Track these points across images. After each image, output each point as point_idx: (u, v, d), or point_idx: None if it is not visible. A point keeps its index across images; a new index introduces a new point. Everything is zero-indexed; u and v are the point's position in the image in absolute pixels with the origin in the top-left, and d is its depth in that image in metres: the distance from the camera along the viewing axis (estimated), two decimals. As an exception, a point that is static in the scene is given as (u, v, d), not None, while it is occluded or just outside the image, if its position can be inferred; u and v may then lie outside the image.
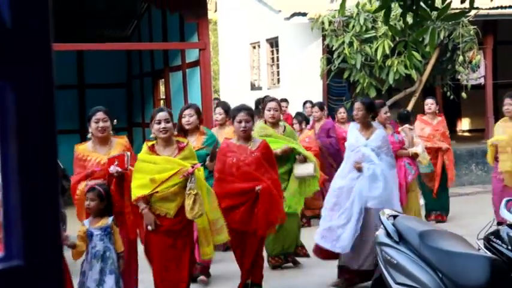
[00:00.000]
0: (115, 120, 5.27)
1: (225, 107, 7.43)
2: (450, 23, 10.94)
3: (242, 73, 15.84)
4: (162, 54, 12.50)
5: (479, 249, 4.39)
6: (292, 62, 13.55)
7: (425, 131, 8.65)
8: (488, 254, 4.20)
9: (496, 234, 4.40)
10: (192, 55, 10.84)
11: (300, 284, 6.10)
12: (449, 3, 4.51)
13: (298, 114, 8.94)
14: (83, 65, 14.11)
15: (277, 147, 6.15)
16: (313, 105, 9.63)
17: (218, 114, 7.21)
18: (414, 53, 8.27)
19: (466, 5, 4.69)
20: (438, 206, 8.77)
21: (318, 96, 12.06)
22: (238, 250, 5.53)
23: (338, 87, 12.78)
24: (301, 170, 6.22)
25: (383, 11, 4.79)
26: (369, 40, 11.49)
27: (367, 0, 11.69)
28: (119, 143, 5.19)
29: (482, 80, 12.77)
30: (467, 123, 16.79)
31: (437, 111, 8.88)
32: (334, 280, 5.85)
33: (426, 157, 7.58)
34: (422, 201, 7.46)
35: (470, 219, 8.24)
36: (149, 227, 4.79)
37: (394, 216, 4.57)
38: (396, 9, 8.80)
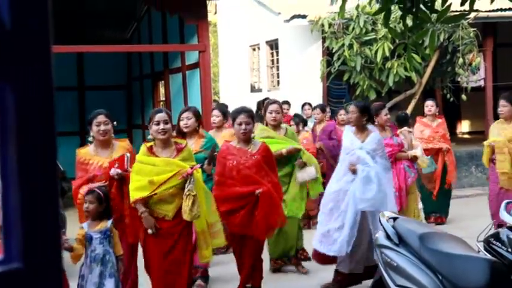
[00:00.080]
0: (115, 122, 5.26)
1: (222, 109, 7.40)
2: (450, 25, 10.94)
3: (242, 75, 15.84)
4: (162, 56, 12.51)
5: (479, 252, 4.39)
6: (292, 64, 13.55)
7: (425, 133, 8.66)
8: (488, 256, 4.20)
9: (496, 236, 4.40)
10: (192, 57, 10.84)
11: (299, 287, 6.10)
12: (449, 6, 4.51)
13: (295, 115, 8.95)
14: (83, 67, 14.13)
15: (281, 147, 6.14)
16: (315, 107, 9.64)
17: (215, 116, 7.15)
18: (414, 55, 8.25)
19: (466, 7, 4.69)
20: (438, 208, 8.77)
21: (317, 99, 12.07)
22: (238, 254, 5.49)
23: (338, 90, 12.78)
24: (304, 174, 6.19)
25: (383, 14, 4.80)
26: (368, 42, 11.49)
27: (367, 2, 11.69)
28: (121, 146, 5.18)
29: (482, 82, 12.77)
30: (467, 126, 16.79)
31: (437, 113, 8.89)
32: (327, 282, 5.85)
33: (425, 160, 7.58)
34: (420, 205, 7.44)
35: (470, 221, 8.24)
36: (149, 231, 4.73)
37: (394, 219, 4.57)
38: (396, 12, 8.80)
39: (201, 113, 6.53)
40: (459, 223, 8.58)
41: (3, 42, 0.75)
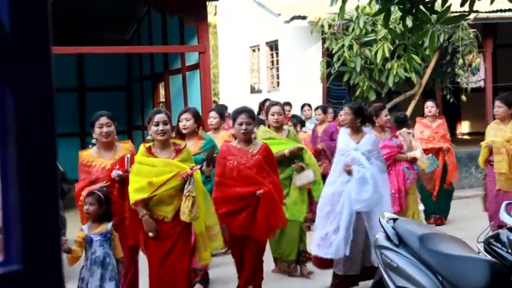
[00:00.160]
0: (115, 123, 5.24)
1: (220, 111, 7.38)
2: (450, 26, 10.94)
3: (242, 76, 15.84)
4: (162, 58, 12.51)
5: (479, 253, 4.38)
6: (292, 65, 13.55)
7: (425, 133, 8.66)
8: (488, 257, 4.19)
9: (496, 237, 4.39)
10: (192, 58, 10.85)
11: None
12: (449, 7, 4.51)
13: (293, 116, 8.95)
14: (83, 68, 14.13)
15: (283, 148, 6.12)
16: (316, 107, 9.65)
17: (212, 118, 7.11)
18: (414, 56, 8.25)
19: (466, 8, 4.70)
20: (438, 209, 8.76)
21: (317, 100, 12.07)
22: (238, 256, 5.42)
23: (338, 91, 12.78)
24: (302, 178, 6.16)
25: (383, 14, 4.80)
26: (368, 43, 11.49)
27: (366, 3, 11.69)
28: (124, 148, 5.15)
29: (482, 83, 12.77)
30: (467, 126, 16.79)
31: (437, 114, 8.88)
32: (327, 287, 5.83)
33: (425, 161, 7.58)
34: (422, 207, 7.43)
35: (470, 222, 8.24)
36: (150, 234, 4.67)
37: (394, 220, 4.57)
38: (396, 13, 8.80)
39: (201, 114, 6.51)
40: (459, 224, 8.57)
41: (3, 44, 0.75)
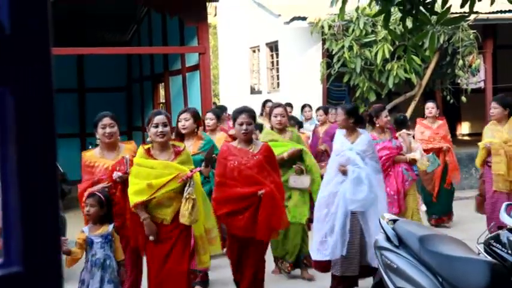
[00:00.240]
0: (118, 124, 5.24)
1: (216, 112, 7.37)
2: (450, 27, 10.95)
3: (242, 77, 15.85)
4: (162, 58, 12.52)
5: (479, 254, 4.38)
6: (292, 66, 13.56)
7: (426, 134, 8.66)
8: (489, 258, 4.19)
9: (496, 238, 4.39)
10: (192, 59, 10.85)
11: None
12: (449, 8, 4.51)
13: (291, 117, 8.95)
14: (83, 69, 14.13)
15: (284, 150, 6.10)
16: (318, 108, 9.66)
17: (209, 119, 7.09)
18: (414, 57, 8.26)
19: (466, 9, 4.70)
20: (439, 210, 8.75)
21: (317, 100, 12.08)
22: (235, 258, 5.30)
23: (338, 91, 12.79)
24: (296, 181, 6.13)
25: (383, 15, 4.80)
26: (368, 44, 11.50)
27: (366, 4, 11.70)
28: (127, 149, 5.12)
29: (482, 84, 12.77)
30: (467, 127, 16.79)
31: (437, 115, 8.88)
32: None
33: (425, 162, 7.57)
34: (423, 208, 7.42)
35: (470, 223, 8.23)
36: (151, 237, 4.63)
37: (394, 221, 4.57)
38: (396, 14, 8.80)
39: (200, 114, 6.50)
40: (459, 225, 8.57)
41: (3, 44, 0.75)
